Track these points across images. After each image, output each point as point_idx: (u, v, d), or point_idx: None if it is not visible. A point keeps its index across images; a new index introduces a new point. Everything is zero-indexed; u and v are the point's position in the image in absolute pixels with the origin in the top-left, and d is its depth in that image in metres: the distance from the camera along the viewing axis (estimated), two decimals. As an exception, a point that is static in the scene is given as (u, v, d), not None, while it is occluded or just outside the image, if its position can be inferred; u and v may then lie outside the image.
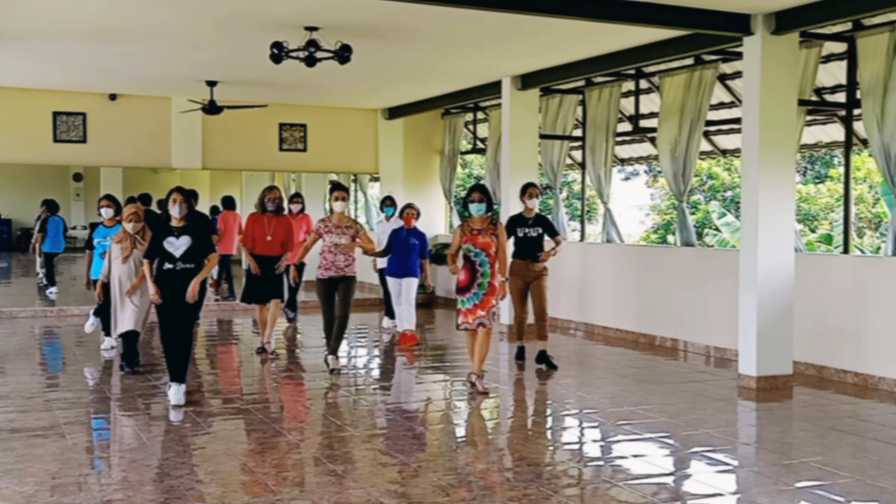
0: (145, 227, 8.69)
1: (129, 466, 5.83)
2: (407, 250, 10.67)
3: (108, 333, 9.60)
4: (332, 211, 8.84)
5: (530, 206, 9.25)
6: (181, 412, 7.14)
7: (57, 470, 5.57)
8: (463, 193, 25.85)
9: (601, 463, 6.10)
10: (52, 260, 15.66)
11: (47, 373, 9.06)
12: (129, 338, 8.70)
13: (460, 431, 7.02)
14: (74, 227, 28.08)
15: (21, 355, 10.05)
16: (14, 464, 5.66)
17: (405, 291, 10.69)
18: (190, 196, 7.77)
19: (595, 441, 6.77)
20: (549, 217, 10.45)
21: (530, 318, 9.30)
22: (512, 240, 9.07)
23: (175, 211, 7.33)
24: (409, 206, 10.98)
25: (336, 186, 8.99)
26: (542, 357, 9.22)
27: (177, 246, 7.35)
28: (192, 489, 5.25)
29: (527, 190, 9.29)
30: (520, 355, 9.52)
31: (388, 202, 11.94)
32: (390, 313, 11.63)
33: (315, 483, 5.48)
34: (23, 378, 8.57)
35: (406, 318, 10.69)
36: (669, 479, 5.73)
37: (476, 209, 7.91)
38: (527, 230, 9.21)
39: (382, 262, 11.31)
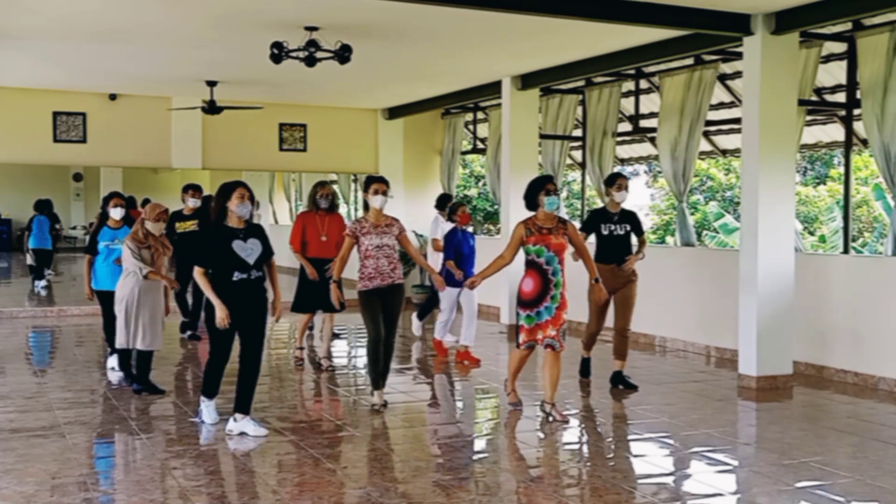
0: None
1: (128, 466, 5.83)
2: (470, 253, 9.50)
3: (115, 350, 8.44)
4: (366, 208, 7.37)
5: (618, 200, 8.07)
6: (178, 411, 7.14)
7: (57, 470, 5.57)
8: (465, 193, 25.42)
9: (601, 463, 6.10)
10: (40, 257, 16.46)
11: (47, 373, 9.05)
12: (147, 357, 7.77)
13: (456, 429, 7.02)
14: (74, 227, 28.10)
15: (21, 355, 10.05)
16: (14, 464, 5.66)
17: (470, 302, 9.51)
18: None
19: (595, 441, 6.76)
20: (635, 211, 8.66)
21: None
22: (593, 239, 8.14)
23: (244, 210, 6.24)
24: (461, 203, 9.74)
25: (375, 178, 7.38)
26: (619, 378, 8.17)
27: (248, 251, 6.24)
28: (192, 489, 5.25)
29: (615, 181, 8.08)
30: (585, 370, 8.49)
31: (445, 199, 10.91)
32: (422, 316, 11.09)
33: (315, 483, 5.47)
34: (23, 378, 8.57)
35: (471, 332, 9.52)
36: (669, 479, 5.73)
37: (550, 203, 6.74)
38: (613, 227, 8.04)
39: (437, 266, 9.94)
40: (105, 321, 8.60)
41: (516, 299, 6.88)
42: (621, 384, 8.16)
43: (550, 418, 6.88)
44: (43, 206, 17.43)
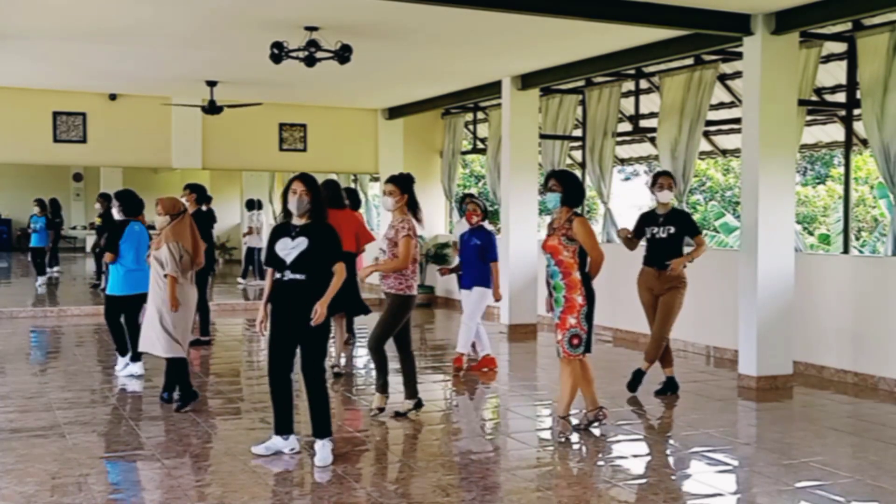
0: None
1: (129, 467, 5.83)
2: (468, 255, 8.93)
3: (135, 356, 8.36)
4: (414, 209, 7.20)
5: (662, 201, 7.77)
6: (174, 408, 7.14)
7: (57, 470, 5.57)
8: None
9: (601, 463, 6.10)
10: (37, 253, 17.25)
11: (47, 373, 9.05)
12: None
13: (456, 429, 7.01)
14: (74, 227, 28.10)
15: (21, 355, 10.05)
16: (14, 464, 5.67)
17: (466, 305, 8.97)
18: (319, 187, 5.84)
19: (595, 441, 6.76)
20: (689, 212, 8.16)
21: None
22: (643, 242, 7.95)
23: (294, 205, 5.71)
24: (470, 198, 9.13)
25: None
26: (638, 376, 7.95)
27: (289, 249, 5.69)
28: (192, 489, 5.25)
29: (656, 180, 7.79)
30: (670, 387, 7.93)
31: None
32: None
33: (315, 483, 5.48)
34: (23, 378, 8.57)
35: (464, 337, 8.95)
36: (669, 479, 5.73)
37: (541, 202, 6.71)
38: (655, 230, 7.76)
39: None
40: (133, 325, 8.27)
41: None
42: (635, 382, 7.97)
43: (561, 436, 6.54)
44: (39, 205, 17.66)
